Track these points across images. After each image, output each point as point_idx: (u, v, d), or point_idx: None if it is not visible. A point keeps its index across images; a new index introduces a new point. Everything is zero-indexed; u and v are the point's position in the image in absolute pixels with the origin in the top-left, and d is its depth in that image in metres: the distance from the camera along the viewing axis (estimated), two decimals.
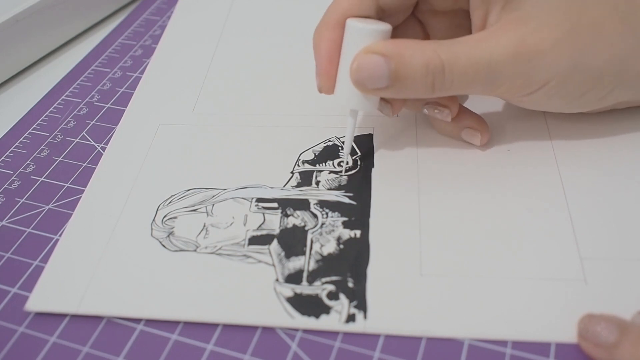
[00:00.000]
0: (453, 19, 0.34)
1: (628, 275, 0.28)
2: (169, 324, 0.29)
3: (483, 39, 0.30)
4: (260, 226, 0.32)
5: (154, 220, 0.33)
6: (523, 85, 0.30)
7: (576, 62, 0.29)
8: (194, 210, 0.33)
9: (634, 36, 0.30)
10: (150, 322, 0.29)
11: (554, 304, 0.28)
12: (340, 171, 0.35)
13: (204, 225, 0.33)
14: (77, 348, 0.28)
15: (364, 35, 0.30)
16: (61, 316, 0.29)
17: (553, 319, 0.27)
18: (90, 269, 0.31)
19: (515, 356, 0.26)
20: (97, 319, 0.29)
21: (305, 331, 0.28)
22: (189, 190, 0.35)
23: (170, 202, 0.34)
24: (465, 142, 0.35)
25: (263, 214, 0.33)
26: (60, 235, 0.33)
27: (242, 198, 0.34)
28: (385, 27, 0.31)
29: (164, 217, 0.33)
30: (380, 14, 0.32)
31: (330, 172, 0.35)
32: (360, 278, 0.29)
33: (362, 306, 0.28)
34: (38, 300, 0.30)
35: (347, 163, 0.35)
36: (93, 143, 0.39)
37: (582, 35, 0.29)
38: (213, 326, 0.28)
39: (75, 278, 0.30)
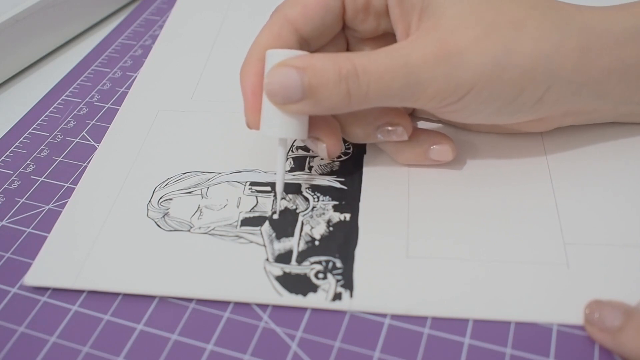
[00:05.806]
0: (382, 45, 0.32)
1: (608, 260, 0.29)
2: (170, 324, 0.29)
3: (400, 46, 0.29)
4: (252, 208, 0.33)
5: (150, 201, 0.34)
6: (448, 88, 0.29)
7: (500, 59, 0.28)
8: (189, 192, 0.34)
9: (557, 32, 0.29)
10: (149, 321, 0.29)
11: (538, 286, 0.28)
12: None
13: (199, 207, 0.33)
14: (77, 348, 0.28)
15: (281, 59, 0.29)
16: (62, 316, 0.29)
17: (535, 301, 0.28)
18: (87, 247, 0.32)
19: (516, 356, 0.26)
20: (99, 315, 0.29)
21: (306, 331, 0.28)
22: (185, 173, 0.35)
23: (166, 185, 0.35)
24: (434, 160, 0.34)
25: (256, 197, 0.34)
26: None
27: (236, 181, 0.35)
28: (303, 52, 0.30)
29: (160, 198, 0.34)
30: (304, 46, 0.32)
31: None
32: (348, 259, 0.30)
33: (348, 285, 0.29)
34: (36, 275, 0.31)
35: (280, 200, 0.33)
36: (93, 143, 0.39)
37: (503, 32, 0.29)
38: (213, 326, 0.28)
39: (72, 254, 0.31)
